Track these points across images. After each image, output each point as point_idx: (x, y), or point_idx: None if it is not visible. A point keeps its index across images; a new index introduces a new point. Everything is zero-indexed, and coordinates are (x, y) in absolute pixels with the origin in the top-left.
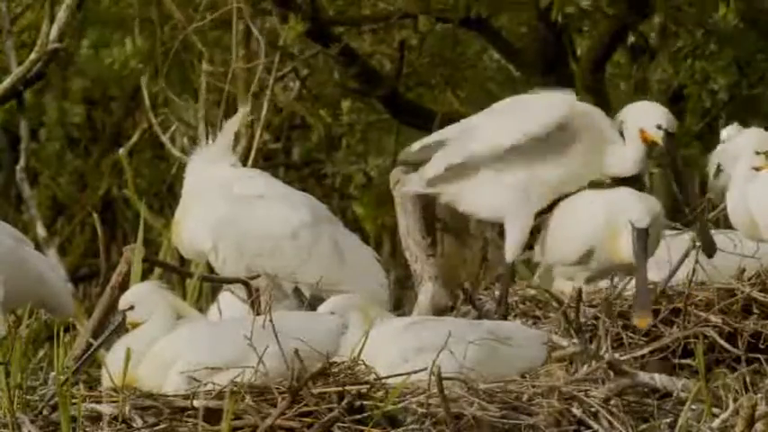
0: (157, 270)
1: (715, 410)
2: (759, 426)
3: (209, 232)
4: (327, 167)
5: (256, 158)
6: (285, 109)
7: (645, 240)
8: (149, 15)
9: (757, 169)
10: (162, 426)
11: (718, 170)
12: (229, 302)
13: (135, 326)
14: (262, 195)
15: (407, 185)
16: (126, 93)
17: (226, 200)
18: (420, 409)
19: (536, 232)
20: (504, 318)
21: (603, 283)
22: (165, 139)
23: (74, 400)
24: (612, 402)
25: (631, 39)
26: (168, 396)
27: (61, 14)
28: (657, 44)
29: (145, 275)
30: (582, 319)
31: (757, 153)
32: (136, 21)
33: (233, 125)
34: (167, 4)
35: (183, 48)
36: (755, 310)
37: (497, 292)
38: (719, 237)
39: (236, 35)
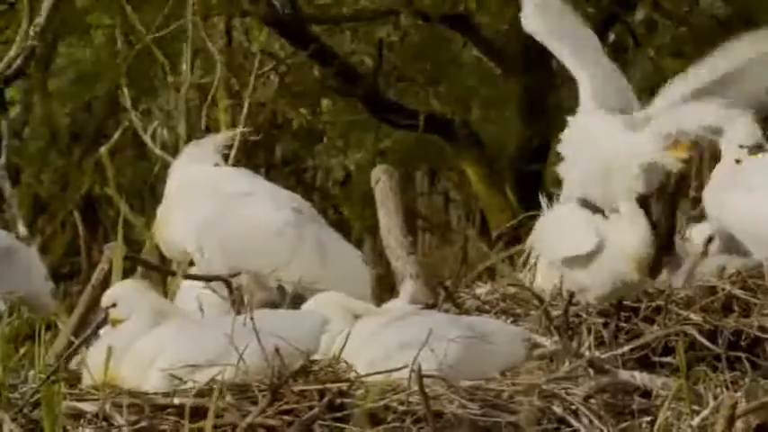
0: (140, 268)
1: (695, 408)
2: (739, 424)
3: (194, 231)
4: (308, 162)
5: (238, 156)
6: (266, 105)
7: None
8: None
9: (738, 161)
10: (143, 423)
11: None
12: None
13: (117, 323)
14: (246, 194)
15: None
16: (105, 92)
17: (210, 198)
18: (400, 407)
19: None
20: None
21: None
22: (146, 137)
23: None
24: (593, 400)
25: (612, 36)
26: (149, 394)
27: (43, 8)
28: (642, 38)
29: (127, 274)
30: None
31: (741, 146)
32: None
33: (225, 137)
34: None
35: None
36: (736, 308)
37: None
38: (699, 233)
39: (212, 38)
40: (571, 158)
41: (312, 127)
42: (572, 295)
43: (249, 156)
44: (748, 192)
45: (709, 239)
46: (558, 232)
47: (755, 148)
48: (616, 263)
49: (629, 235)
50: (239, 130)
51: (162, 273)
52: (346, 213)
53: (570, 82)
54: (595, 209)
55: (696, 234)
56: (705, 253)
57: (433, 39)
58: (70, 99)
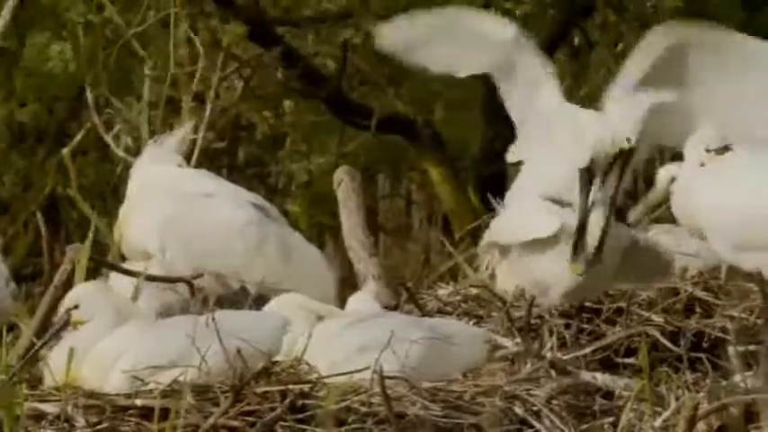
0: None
1: (657, 409)
2: (701, 425)
3: (157, 231)
4: (272, 166)
5: (201, 159)
6: (229, 109)
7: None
8: (90, 19)
9: (702, 165)
10: (104, 425)
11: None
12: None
13: (79, 325)
14: (209, 194)
15: None
16: (70, 93)
17: (173, 199)
18: (362, 408)
19: None
20: None
21: None
22: (108, 139)
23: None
24: (555, 401)
25: (576, 41)
26: (110, 395)
27: (5, 12)
28: (598, 39)
29: (91, 276)
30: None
31: (707, 151)
32: (77, 25)
33: (183, 132)
34: (108, 7)
35: (127, 52)
36: (698, 309)
37: None
38: (662, 236)
39: (174, 39)
40: (554, 156)
41: (275, 131)
42: (533, 297)
43: (212, 158)
44: (718, 188)
45: (673, 179)
46: (519, 217)
47: (722, 150)
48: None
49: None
50: (191, 123)
51: (125, 274)
52: (294, 212)
53: None
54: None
55: (662, 174)
56: (667, 194)
57: None
58: (41, 94)
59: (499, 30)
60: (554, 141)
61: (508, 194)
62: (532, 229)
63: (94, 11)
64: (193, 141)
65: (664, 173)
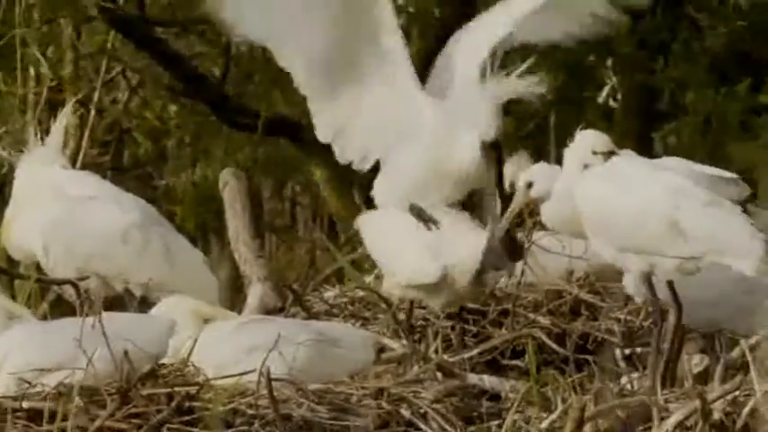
0: None
1: (542, 414)
2: (587, 427)
3: (40, 233)
4: (156, 180)
5: (85, 161)
6: (113, 119)
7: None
8: None
9: (587, 166)
10: None
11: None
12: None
13: None
14: (92, 197)
15: None
16: None
17: (56, 201)
18: (249, 411)
19: None
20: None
21: None
22: None
23: None
24: (441, 404)
25: None
26: None
27: None
28: None
29: None
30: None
31: (594, 153)
32: None
33: (60, 126)
34: None
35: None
36: (584, 312)
37: None
38: (547, 238)
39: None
40: (398, 159)
41: (159, 134)
42: (412, 302)
43: (96, 159)
44: (604, 191)
45: (529, 184)
46: (396, 255)
47: (608, 155)
48: (452, 281)
49: (462, 249)
50: (64, 119)
51: (10, 276)
52: (180, 214)
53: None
54: (420, 212)
55: (521, 179)
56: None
57: None
58: None
59: None
60: (412, 138)
61: (379, 195)
62: (415, 275)
63: None
64: (79, 144)
65: (522, 178)
